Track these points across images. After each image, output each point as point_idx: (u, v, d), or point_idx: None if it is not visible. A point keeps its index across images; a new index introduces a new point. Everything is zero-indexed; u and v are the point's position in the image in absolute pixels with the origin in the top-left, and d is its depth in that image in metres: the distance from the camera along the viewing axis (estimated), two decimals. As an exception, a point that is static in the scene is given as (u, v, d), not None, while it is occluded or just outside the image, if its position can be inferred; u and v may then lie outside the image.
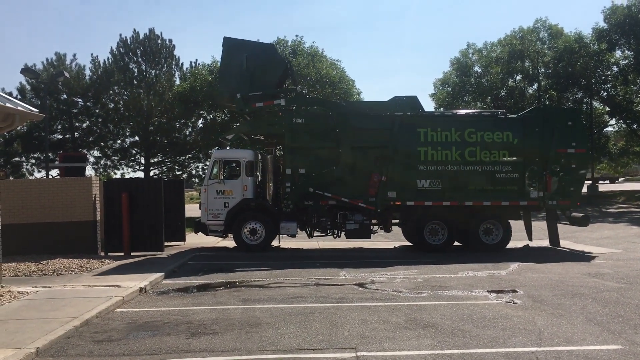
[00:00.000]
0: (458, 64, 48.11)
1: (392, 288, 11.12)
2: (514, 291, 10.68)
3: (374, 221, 17.72)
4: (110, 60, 36.53)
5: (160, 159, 37.89)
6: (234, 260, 15.60)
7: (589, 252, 16.44)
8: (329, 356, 6.84)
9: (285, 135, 17.52)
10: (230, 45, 18.35)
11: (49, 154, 28.49)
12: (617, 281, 11.63)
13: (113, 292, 10.49)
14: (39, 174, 37.57)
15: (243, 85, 17.66)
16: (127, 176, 38.24)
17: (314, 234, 17.95)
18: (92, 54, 55.29)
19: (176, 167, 38.55)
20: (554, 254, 16.57)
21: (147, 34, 36.94)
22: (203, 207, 17.46)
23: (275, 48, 18.13)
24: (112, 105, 36.75)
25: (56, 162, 29.44)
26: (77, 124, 38.16)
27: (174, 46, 37.97)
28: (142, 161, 37.37)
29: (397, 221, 18.02)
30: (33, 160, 38.17)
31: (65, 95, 37.02)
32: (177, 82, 37.24)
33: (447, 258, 15.47)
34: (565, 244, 18.21)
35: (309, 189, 17.11)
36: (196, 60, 50.21)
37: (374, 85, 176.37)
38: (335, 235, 17.84)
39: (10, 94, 32.58)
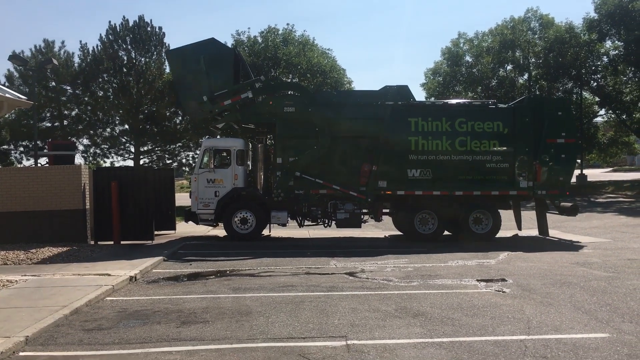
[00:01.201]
0: (449, 54, 48.10)
1: (383, 277, 11.17)
2: (503, 280, 10.75)
3: (364, 210, 17.73)
4: (99, 47, 36.11)
5: (150, 148, 37.67)
6: (224, 249, 15.59)
7: (578, 242, 16.57)
8: (319, 344, 6.86)
9: (276, 124, 17.46)
10: (176, 56, 18.44)
11: (38, 142, 28.24)
12: (605, 270, 11.74)
13: (103, 280, 10.46)
14: (28, 162, 37.32)
15: (204, 88, 17.52)
16: (116, 165, 38.05)
17: (305, 223, 17.98)
18: (80, 41, 54.91)
19: (166, 155, 38.35)
20: (543, 243, 16.69)
21: (137, 21, 36.53)
22: (193, 196, 17.42)
23: (217, 40, 18.08)
24: (102, 93, 36.41)
25: (45, 150, 29.16)
26: (66, 112, 37.83)
27: (164, 34, 37.56)
28: (132, 150, 37.14)
29: (387, 210, 18.07)
30: (21, 149, 37.87)
31: (53, 83, 36.66)
32: (167, 70, 36.93)
33: (437, 247, 15.54)
34: (554, 233, 18.35)
35: (296, 173, 17.10)
36: (186, 48, 49.92)
37: (366, 75, 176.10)
38: (325, 225, 17.88)
39: (-3, 81, 32.25)
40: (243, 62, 19.64)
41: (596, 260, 13.12)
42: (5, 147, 37.17)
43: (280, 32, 36.05)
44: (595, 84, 43.59)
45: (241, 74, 19.17)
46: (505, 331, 7.31)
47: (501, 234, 17.63)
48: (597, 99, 44.74)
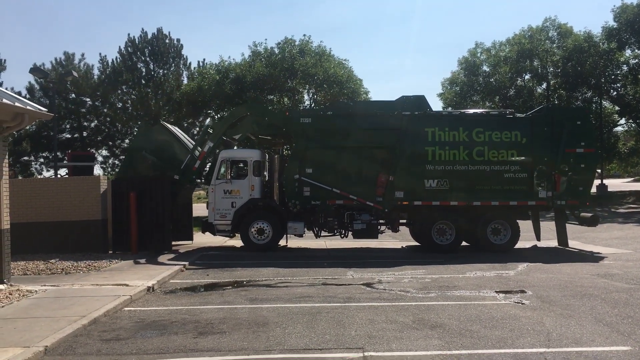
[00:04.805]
0: (466, 64, 47.86)
1: (400, 288, 11.09)
2: (522, 292, 10.62)
3: (381, 221, 17.65)
4: (118, 59, 36.67)
5: (168, 158, 37.96)
6: (241, 259, 15.60)
7: (598, 253, 16.33)
8: (336, 356, 6.82)
9: (293, 135, 17.49)
10: (128, 168, 19.13)
11: (58, 153, 28.61)
12: (626, 282, 11.55)
13: (121, 290, 10.53)
14: (48, 173, 37.81)
15: (170, 169, 17.94)
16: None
17: (321, 234, 17.92)
18: (100, 54, 55.49)
19: (184, 166, 38.61)
20: (562, 254, 16.47)
21: (155, 33, 37.07)
22: (210, 207, 17.49)
23: (143, 125, 18.98)
24: (120, 104, 36.89)
25: (64, 162, 29.56)
26: (85, 124, 38.37)
27: (182, 46, 38.08)
28: (150, 160, 37.42)
29: (404, 221, 17.95)
30: (42, 160, 38.44)
31: (73, 95, 37.24)
32: (185, 81, 37.32)
33: (455, 258, 15.42)
34: (574, 244, 18.10)
35: (295, 176, 17.12)
36: (204, 59, 50.51)
37: (382, 85, 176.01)
38: (342, 235, 17.80)
39: (19, 94, 32.78)
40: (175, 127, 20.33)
41: (617, 271, 12.91)
42: (25, 158, 37.71)
43: (297, 43, 36.16)
44: (615, 93, 43.06)
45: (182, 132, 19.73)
46: (524, 344, 7.21)
47: (520, 244, 17.43)
48: (617, 108, 44.22)
